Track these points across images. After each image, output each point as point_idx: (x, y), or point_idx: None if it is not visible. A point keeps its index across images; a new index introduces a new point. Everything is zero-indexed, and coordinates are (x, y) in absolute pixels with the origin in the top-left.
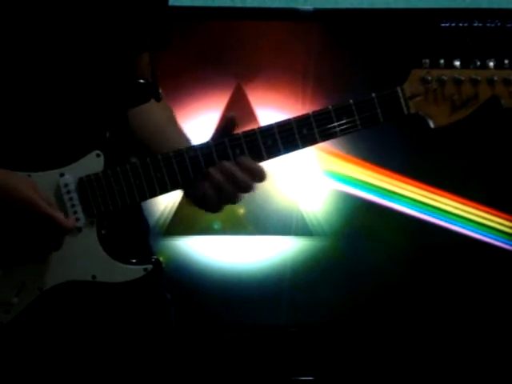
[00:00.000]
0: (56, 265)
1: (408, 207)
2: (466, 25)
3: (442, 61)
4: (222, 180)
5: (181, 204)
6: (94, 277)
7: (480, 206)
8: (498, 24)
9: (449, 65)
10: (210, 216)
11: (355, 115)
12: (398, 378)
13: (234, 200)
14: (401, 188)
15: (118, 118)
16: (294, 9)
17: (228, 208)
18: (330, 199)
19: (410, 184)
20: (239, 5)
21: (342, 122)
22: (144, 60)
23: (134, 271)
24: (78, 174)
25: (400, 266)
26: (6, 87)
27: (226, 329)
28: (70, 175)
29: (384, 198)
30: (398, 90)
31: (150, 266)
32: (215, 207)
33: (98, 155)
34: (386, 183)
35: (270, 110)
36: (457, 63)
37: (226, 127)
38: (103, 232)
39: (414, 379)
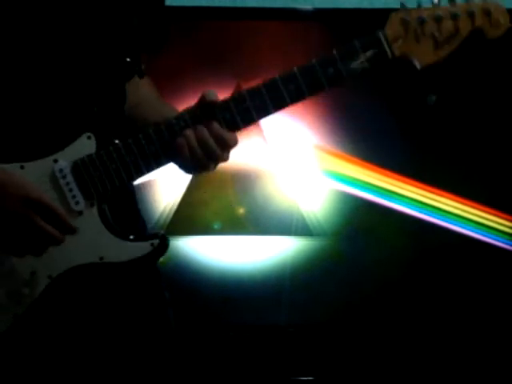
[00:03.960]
0: (63, 251)
1: (408, 207)
2: None
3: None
4: (194, 144)
5: (181, 204)
6: (101, 258)
7: (480, 206)
8: None
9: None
10: (209, 216)
11: (338, 65)
12: (397, 378)
13: (205, 167)
14: (401, 188)
15: (104, 95)
16: (293, 8)
17: (228, 208)
18: (330, 199)
19: (410, 184)
20: (239, 5)
21: (328, 71)
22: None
23: (141, 247)
24: (72, 158)
25: (400, 265)
26: None
27: (226, 329)
28: (64, 160)
29: (384, 198)
30: (380, 33)
31: (156, 241)
32: (191, 169)
33: (88, 137)
34: (386, 183)
35: None
36: (435, 0)
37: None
38: (103, 207)
39: (413, 379)
